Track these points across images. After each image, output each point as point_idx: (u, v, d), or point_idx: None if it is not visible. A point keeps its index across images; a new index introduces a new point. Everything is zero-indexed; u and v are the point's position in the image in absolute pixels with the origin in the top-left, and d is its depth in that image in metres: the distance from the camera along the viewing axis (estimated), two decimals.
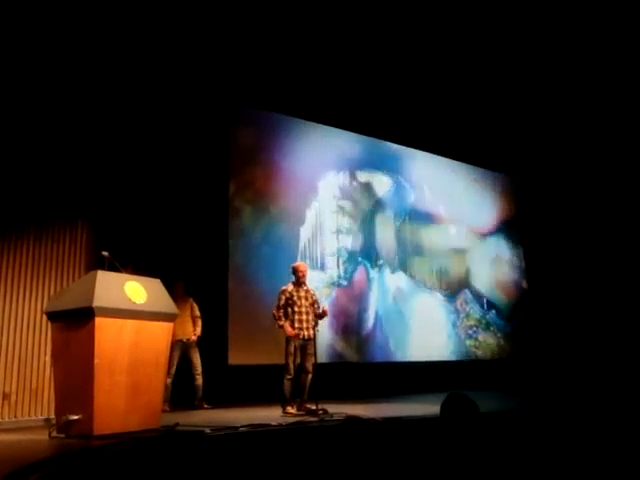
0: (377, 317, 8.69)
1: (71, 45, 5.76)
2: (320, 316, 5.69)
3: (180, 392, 6.29)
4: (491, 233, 10.91)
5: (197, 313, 6.46)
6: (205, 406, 6.29)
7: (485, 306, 10.52)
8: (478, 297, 10.46)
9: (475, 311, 10.37)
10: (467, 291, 10.32)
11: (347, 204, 8.69)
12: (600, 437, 4.25)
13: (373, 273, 8.81)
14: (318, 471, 3.59)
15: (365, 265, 8.74)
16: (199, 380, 6.31)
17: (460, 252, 10.32)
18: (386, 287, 8.98)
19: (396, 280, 9.13)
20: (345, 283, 8.41)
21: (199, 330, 6.42)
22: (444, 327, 9.70)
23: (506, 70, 8.69)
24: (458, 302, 10.15)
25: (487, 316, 10.50)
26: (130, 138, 6.74)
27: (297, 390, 5.48)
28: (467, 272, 10.38)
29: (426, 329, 9.29)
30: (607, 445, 4.01)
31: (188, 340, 6.21)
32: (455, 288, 10.12)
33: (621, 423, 4.76)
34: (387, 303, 8.91)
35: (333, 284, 8.23)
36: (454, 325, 9.92)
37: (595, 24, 7.76)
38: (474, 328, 10.25)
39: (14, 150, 5.29)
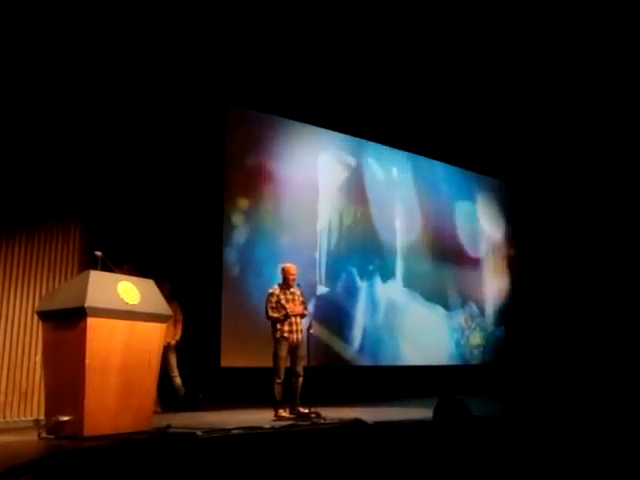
0: (364, 336, 8.39)
1: (61, 46, 5.72)
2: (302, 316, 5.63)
3: (173, 394, 6.28)
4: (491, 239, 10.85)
5: (179, 317, 6.43)
6: (200, 397, 6.36)
7: (494, 321, 10.11)
8: (486, 311, 10.11)
9: (482, 327, 9.97)
10: (473, 304, 10.01)
11: (341, 207, 8.66)
12: (594, 441, 4.25)
13: (361, 282, 8.55)
14: (310, 475, 3.57)
15: (352, 272, 8.48)
16: (178, 380, 6.33)
17: (463, 259, 10.13)
18: (376, 299, 8.68)
19: (388, 290, 8.85)
20: (328, 292, 8.13)
21: (179, 334, 6.41)
22: (445, 347, 9.37)
23: (481, 68, 8.68)
24: (463, 317, 9.84)
25: (496, 333, 10.14)
26: (124, 137, 6.72)
27: (289, 393, 5.45)
28: (472, 282, 10.08)
29: (423, 349, 8.98)
30: (601, 450, 4.01)
31: (168, 344, 6.17)
32: (459, 301, 9.76)
33: (615, 429, 4.77)
34: (377, 318, 8.60)
35: (316, 292, 7.96)
36: (457, 345, 9.59)
37: (587, 31, 7.81)
38: (481, 348, 9.90)
39: (5, 149, 5.25)
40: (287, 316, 5.46)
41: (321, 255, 8.23)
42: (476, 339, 9.82)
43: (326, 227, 8.41)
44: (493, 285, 10.57)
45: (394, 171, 9.49)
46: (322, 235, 8.33)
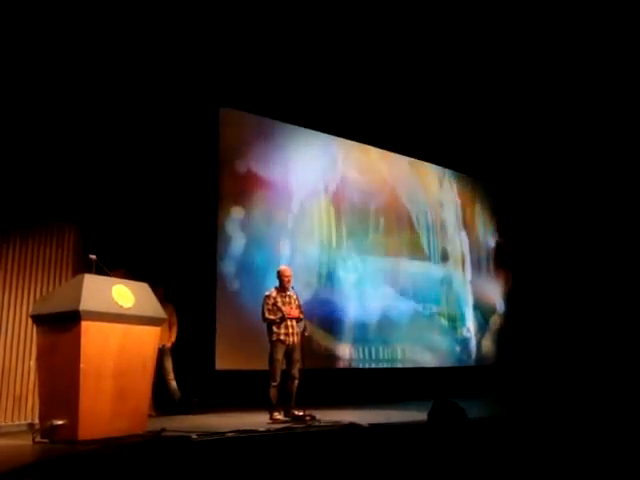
0: (353, 353, 8.27)
1: (56, 50, 5.72)
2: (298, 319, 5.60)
3: (168, 397, 6.27)
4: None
5: (173, 320, 6.42)
6: (195, 400, 6.35)
7: (495, 326, 10.05)
8: (488, 316, 10.09)
9: (488, 337, 9.90)
10: (478, 312, 9.91)
11: (335, 212, 8.66)
12: (590, 443, 4.27)
13: (357, 285, 8.47)
14: (305, 478, 3.58)
15: (350, 274, 8.41)
16: (173, 384, 6.32)
17: (455, 260, 10.14)
18: (372, 302, 8.60)
19: (382, 299, 8.76)
20: (324, 295, 8.05)
21: (174, 337, 6.40)
22: (439, 348, 9.28)
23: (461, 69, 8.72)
24: (464, 328, 9.76)
25: (503, 340, 10.06)
26: (118, 141, 6.71)
27: (284, 396, 5.45)
28: (468, 283, 10.05)
29: (418, 352, 8.88)
30: (595, 451, 4.03)
31: (163, 346, 6.16)
32: (459, 308, 9.76)
33: (610, 431, 4.79)
34: (368, 333, 8.49)
35: (312, 295, 7.85)
36: (460, 360, 9.49)
37: (569, 29, 7.89)
38: (476, 348, 9.80)
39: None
40: (284, 318, 5.46)
41: (316, 258, 8.23)
42: (484, 350, 9.84)
43: (320, 229, 8.42)
44: (489, 287, 10.61)
45: (389, 173, 9.51)
46: (314, 236, 8.33)
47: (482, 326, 10.31)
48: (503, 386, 9.44)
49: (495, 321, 10.45)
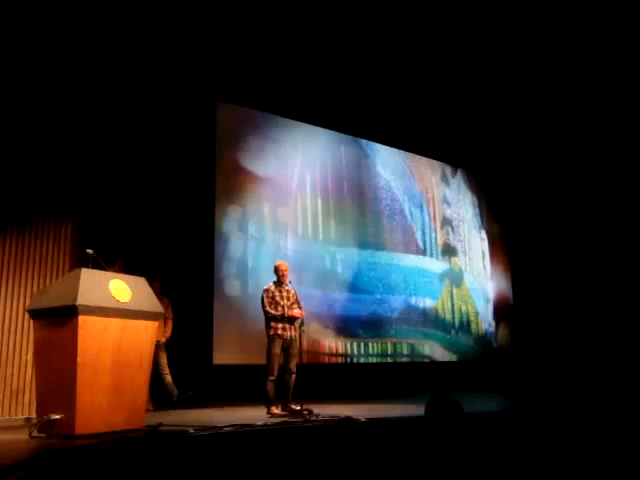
0: (344, 348, 8.26)
1: (54, 45, 5.69)
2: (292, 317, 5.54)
3: (164, 392, 6.27)
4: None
5: (169, 314, 6.41)
6: (190, 393, 6.36)
7: (489, 317, 10.23)
8: (498, 310, 10.22)
9: (499, 331, 10.04)
10: (492, 306, 10.14)
11: (327, 206, 8.65)
12: (587, 439, 4.29)
13: (344, 283, 8.48)
14: (303, 472, 3.58)
15: (337, 274, 8.40)
16: (168, 378, 6.32)
17: (457, 256, 10.20)
18: (361, 305, 8.60)
19: (375, 293, 8.76)
20: (320, 291, 8.05)
21: (169, 332, 6.39)
22: (438, 344, 9.39)
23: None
24: (480, 323, 9.87)
25: (489, 330, 10.20)
26: (116, 135, 6.70)
27: (281, 391, 5.46)
28: (467, 278, 10.18)
29: (417, 346, 9.01)
30: (594, 447, 4.05)
31: (158, 342, 6.13)
32: (471, 304, 9.91)
33: (608, 427, 4.81)
34: (361, 328, 8.47)
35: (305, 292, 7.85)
36: (461, 354, 9.56)
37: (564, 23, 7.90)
38: (475, 344, 9.93)
39: None
40: (284, 316, 5.46)
41: (310, 253, 8.23)
42: (470, 335, 9.93)
43: (311, 223, 8.41)
44: (488, 282, 10.66)
45: (384, 168, 9.51)
46: (309, 231, 8.32)
47: (494, 320, 10.41)
48: (505, 382, 9.47)
49: (505, 315, 10.52)
